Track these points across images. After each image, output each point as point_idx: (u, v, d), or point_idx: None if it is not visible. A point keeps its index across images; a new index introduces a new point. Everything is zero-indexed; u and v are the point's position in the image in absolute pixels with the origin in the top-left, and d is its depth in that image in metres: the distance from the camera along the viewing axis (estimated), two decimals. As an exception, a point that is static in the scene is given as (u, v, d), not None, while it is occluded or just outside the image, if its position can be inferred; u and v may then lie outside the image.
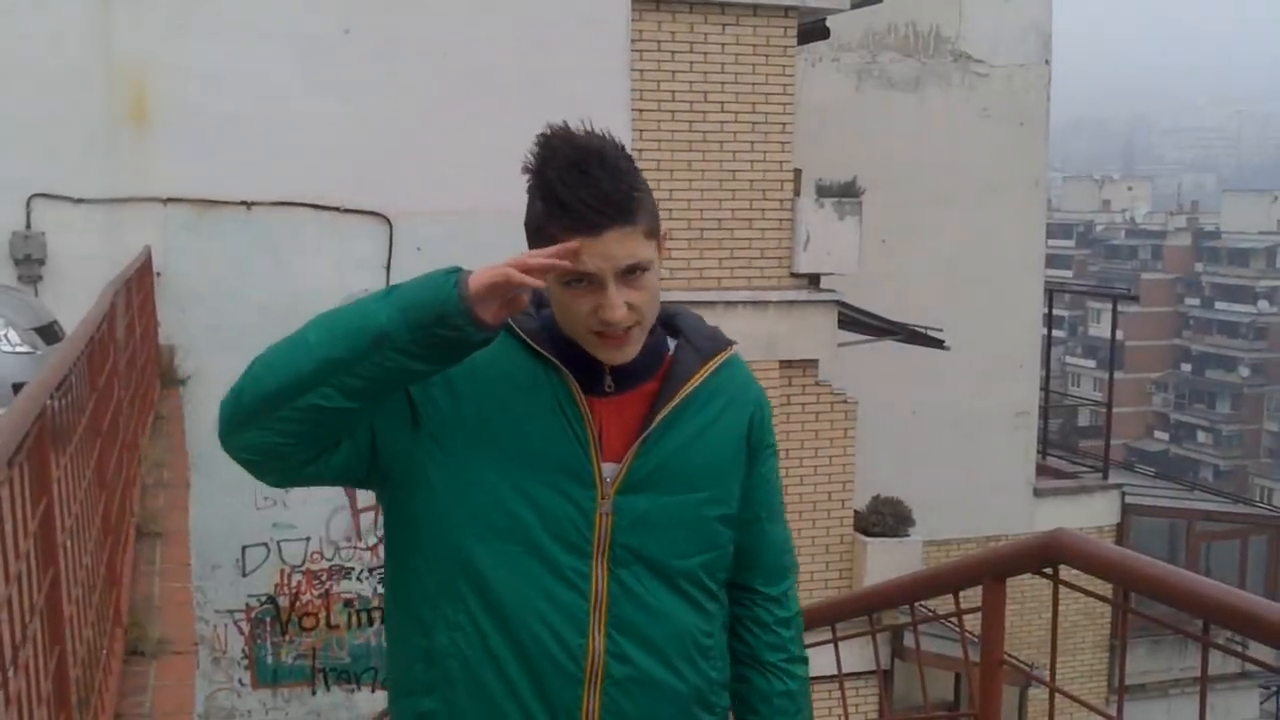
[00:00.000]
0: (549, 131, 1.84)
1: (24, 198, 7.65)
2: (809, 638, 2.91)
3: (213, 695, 8.30)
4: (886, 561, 10.06)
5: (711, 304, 9.62)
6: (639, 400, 1.94)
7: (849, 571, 10.46)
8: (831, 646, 2.67)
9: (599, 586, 1.92)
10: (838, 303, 10.07)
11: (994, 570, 2.01)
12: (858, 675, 10.07)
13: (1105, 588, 1.75)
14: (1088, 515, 13.77)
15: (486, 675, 1.90)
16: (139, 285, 6.56)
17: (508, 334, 1.88)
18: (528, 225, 1.86)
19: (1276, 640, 1.39)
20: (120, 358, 4.81)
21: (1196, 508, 15.10)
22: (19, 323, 5.59)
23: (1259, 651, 1.53)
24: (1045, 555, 1.85)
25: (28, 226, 7.65)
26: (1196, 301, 71.10)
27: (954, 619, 2.21)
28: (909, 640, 9.90)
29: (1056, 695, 1.91)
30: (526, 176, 1.85)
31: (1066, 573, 1.83)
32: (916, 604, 2.58)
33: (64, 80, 7.71)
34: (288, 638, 8.41)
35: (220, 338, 8.09)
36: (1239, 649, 1.81)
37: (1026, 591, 12.27)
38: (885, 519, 10.49)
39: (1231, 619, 1.49)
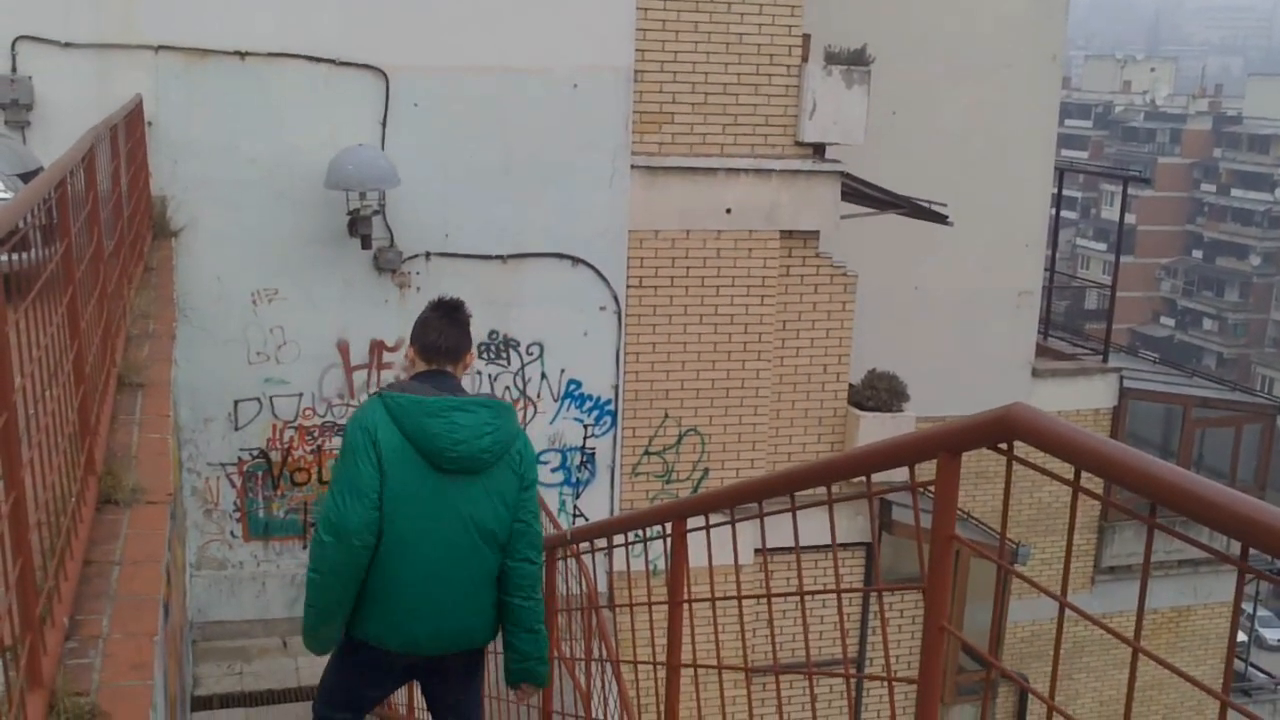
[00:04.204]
0: None
1: (9, 40, 7.45)
2: (770, 505, 2.93)
3: (205, 546, 8.42)
4: (878, 435, 10.06)
5: (713, 170, 9.48)
6: None
7: (840, 444, 10.50)
8: (790, 516, 2.66)
9: None
10: (842, 174, 9.90)
11: (947, 444, 1.98)
12: (842, 546, 10.23)
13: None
14: (1085, 397, 13.76)
15: None
16: (128, 133, 6.43)
17: None
18: None
19: (1222, 526, 1.36)
20: (102, 205, 4.73)
21: (1193, 394, 15.09)
22: (3, 169, 5.48)
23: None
24: (999, 430, 1.81)
25: (14, 70, 7.46)
26: (1213, 188, 70.30)
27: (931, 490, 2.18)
28: (896, 514, 10.02)
29: (1044, 571, 1.92)
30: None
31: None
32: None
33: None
34: (279, 492, 8.48)
35: (213, 190, 8.00)
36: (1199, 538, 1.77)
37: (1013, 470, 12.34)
38: (879, 393, 10.50)
39: (1179, 501, 1.45)
